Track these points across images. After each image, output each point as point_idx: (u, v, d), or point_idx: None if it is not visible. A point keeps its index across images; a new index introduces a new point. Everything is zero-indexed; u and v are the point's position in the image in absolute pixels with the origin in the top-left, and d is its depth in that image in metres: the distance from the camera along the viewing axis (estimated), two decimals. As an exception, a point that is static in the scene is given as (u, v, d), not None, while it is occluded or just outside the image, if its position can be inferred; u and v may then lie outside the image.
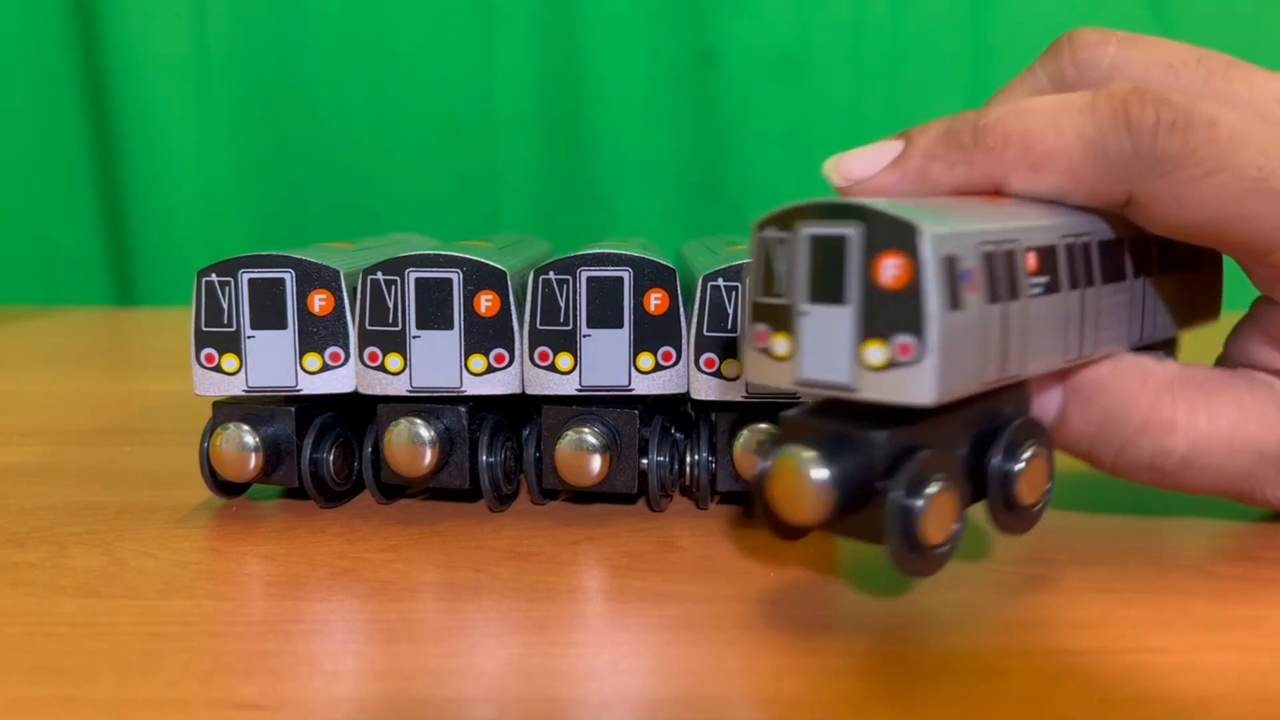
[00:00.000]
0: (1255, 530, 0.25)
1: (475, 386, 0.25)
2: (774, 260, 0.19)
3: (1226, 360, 0.24)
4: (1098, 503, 0.28)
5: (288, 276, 0.25)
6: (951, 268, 0.17)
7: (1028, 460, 0.19)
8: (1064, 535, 0.25)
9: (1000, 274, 0.18)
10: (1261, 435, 0.21)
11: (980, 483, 0.19)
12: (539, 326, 0.25)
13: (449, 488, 0.26)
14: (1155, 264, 0.23)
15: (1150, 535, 0.25)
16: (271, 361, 0.25)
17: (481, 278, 0.25)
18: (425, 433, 0.25)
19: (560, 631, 0.20)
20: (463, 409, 0.26)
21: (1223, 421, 0.21)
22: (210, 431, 0.26)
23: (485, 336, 0.25)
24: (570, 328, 0.25)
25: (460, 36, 0.69)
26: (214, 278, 0.25)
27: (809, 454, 0.17)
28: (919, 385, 0.17)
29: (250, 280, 0.25)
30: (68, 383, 0.47)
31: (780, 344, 0.19)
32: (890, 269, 0.17)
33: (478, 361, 0.25)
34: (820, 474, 0.17)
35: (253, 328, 0.25)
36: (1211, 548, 0.24)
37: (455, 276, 0.25)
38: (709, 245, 0.33)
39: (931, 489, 0.18)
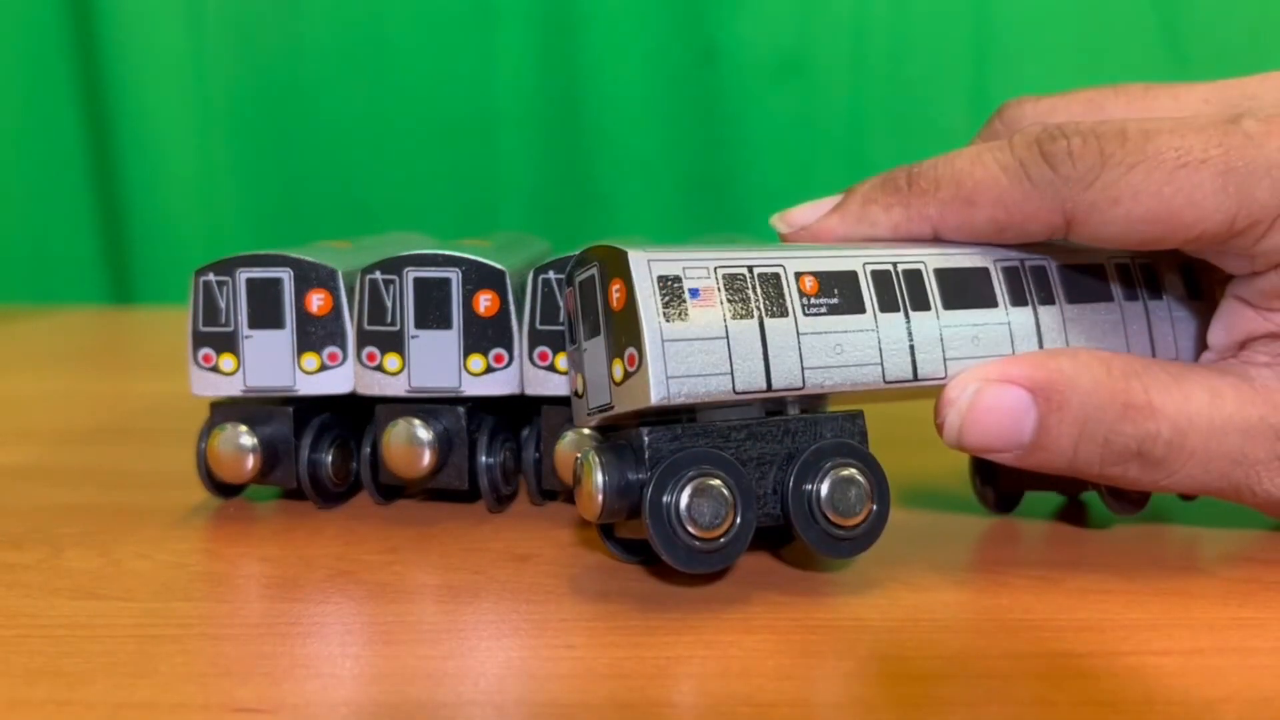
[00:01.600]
0: (1258, 533, 0.25)
1: (474, 387, 0.25)
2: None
3: (1211, 351, 0.24)
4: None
5: (285, 276, 0.25)
6: (671, 286, 0.20)
7: (832, 481, 0.20)
8: (1066, 538, 0.25)
9: (754, 294, 0.20)
10: (1242, 412, 0.21)
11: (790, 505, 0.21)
12: (538, 326, 0.25)
13: (447, 489, 0.26)
14: (1059, 293, 0.23)
15: (1153, 538, 0.25)
16: (269, 361, 0.25)
17: (480, 277, 0.25)
18: (423, 433, 0.25)
19: (559, 634, 0.20)
20: (461, 409, 0.25)
21: (1196, 400, 0.21)
22: (207, 432, 0.26)
23: (484, 336, 0.25)
24: None
25: (459, 35, 0.69)
26: (211, 277, 0.25)
27: (596, 458, 0.20)
28: (642, 389, 0.19)
29: (248, 279, 0.25)
30: (64, 382, 0.47)
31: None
32: (615, 293, 0.20)
33: (476, 361, 0.25)
34: (599, 477, 0.20)
35: (250, 327, 0.25)
36: (1215, 550, 0.24)
37: (454, 276, 0.25)
38: (709, 243, 0.33)
39: (693, 483, 0.19)
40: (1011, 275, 0.23)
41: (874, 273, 0.21)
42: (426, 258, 0.25)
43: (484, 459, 0.26)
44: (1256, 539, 0.25)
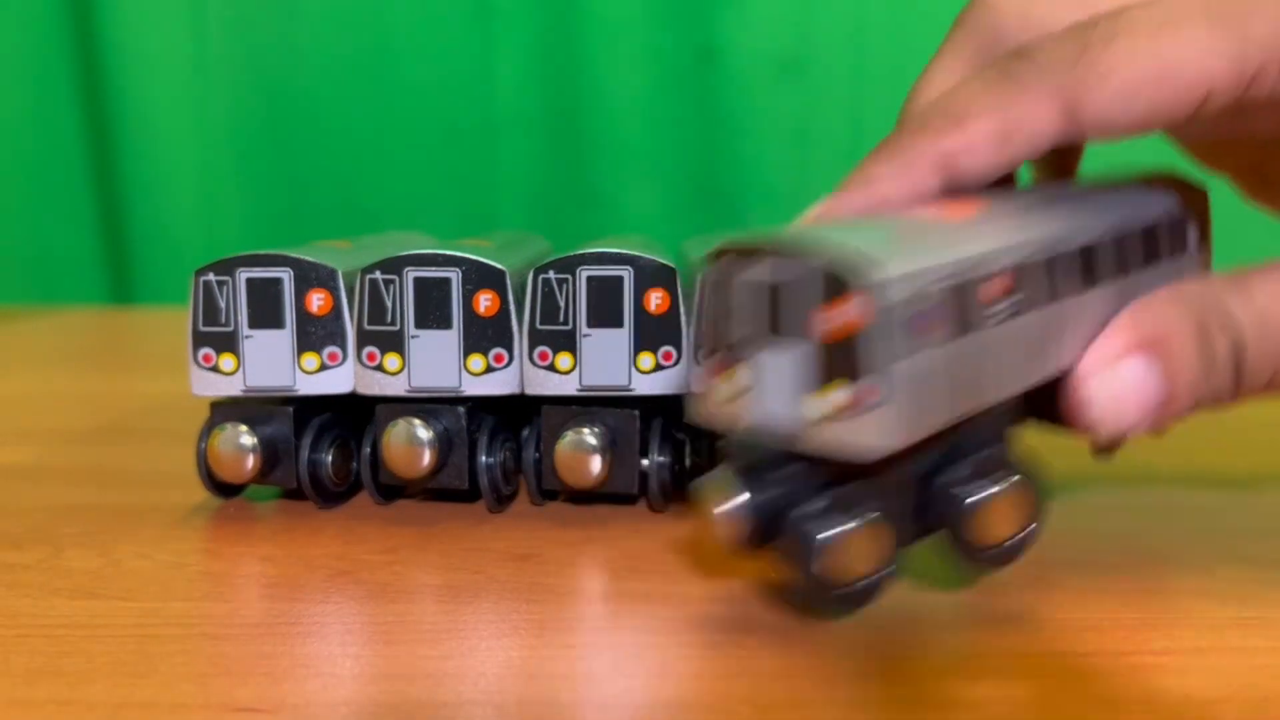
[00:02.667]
0: (1259, 532, 0.25)
1: (474, 387, 0.25)
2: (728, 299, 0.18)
3: None
4: (1099, 505, 0.28)
5: (285, 276, 0.25)
6: (911, 310, 0.16)
7: (988, 494, 0.18)
8: (1066, 537, 0.25)
9: (953, 310, 0.17)
10: None
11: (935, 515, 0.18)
12: (538, 326, 0.25)
13: (448, 489, 0.26)
14: (1140, 257, 0.22)
15: (1153, 537, 0.25)
16: (269, 361, 0.25)
17: (480, 277, 0.25)
18: (424, 433, 0.25)
19: (560, 634, 0.20)
20: (461, 409, 0.25)
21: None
22: (207, 432, 0.26)
23: (484, 336, 0.25)
24: (570, 327, 0.25)
25: (459, 35, 0.69)
26: (211, 277, 0.25)
27: (726, 481, 0.18)
28: (868, 435, 0.16)
29: (248, 279, 0.25)
30: (64, 383, 0.47)
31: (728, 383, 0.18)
32: (833, 316, 0.16)
33: (476, 361, 0.25)
34: (728, 503, 0.18)
35: (250, 327, 0.25)
36: (1215, 549, 0.24)
37: (454, 276, 0.25)
38: (710, 244, 0.33)
39: (848, 521, 0.17)
40: (1104, 251, 0.21)
41: (1045, 263, 0.19)
42: (427, 257, 0.25)
43: (484, 459, 0.26)
44: (1258, 538, 0.25)
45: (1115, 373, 0.19)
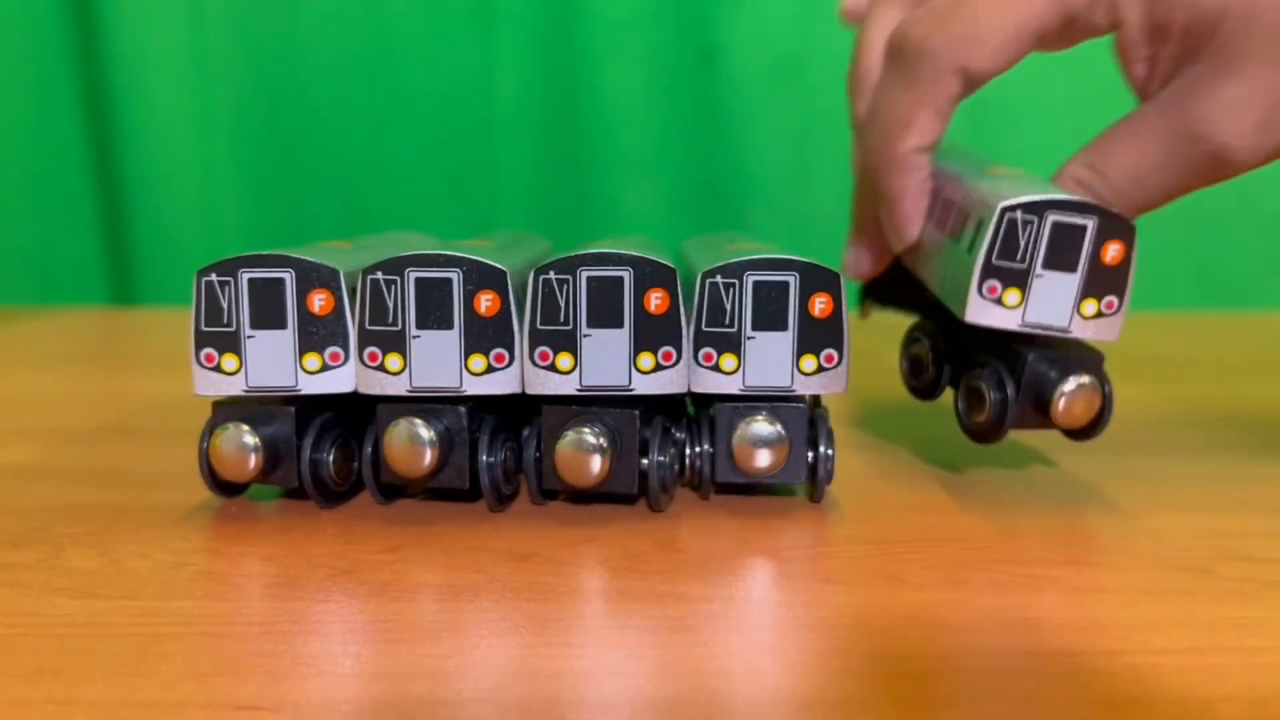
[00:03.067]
0: (1257, 532, 0.25)
1: (475, 386, 0.25)
2: (1019, 234, 0.25)
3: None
4: (1098, 505, 0.28)
5: (287, 276, 0.25)
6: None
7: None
8: (1064, 537, 0.25)
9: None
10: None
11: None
12: (539, 326, 0.25)
13: (449, 488, 0.26)
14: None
15: (1152, 537, 0.25)
16: (271, 361, 0.25)
17: (481, 277, 0.25)
18: (425, 433, 0.25)
19: (560, 632, 0.20)
20: (462, 409, 0.25)
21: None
22: (210, 431, 0.26)
23: (485, 336, 0.25)
24: (570, 327, 0.25)
25: (459, 36, 0.69)
26: (214, 277, 0.25)
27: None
28: (1111, 331, 0.25)
29: (250, 280, 0.25)
30: (66, 383, 0.47)
31: (1012, 297, 0.25)
32: (1112, 251, 0.25)
33: (478, 361, 0.25)
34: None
35: (252, 327, 0.25)
36: (1213, 549, 0.24)
37: (455, 276, 0.25)
38: (709, 243, 0.33)
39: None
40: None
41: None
42: (428, 258, 0.25)
43: (485, 458, 0.26)
44: (1256, 538, 0.25)
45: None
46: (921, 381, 0.31)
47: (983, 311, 0.25)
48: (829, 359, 0.25)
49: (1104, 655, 0.19)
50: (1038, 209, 0.25)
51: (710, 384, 0.26)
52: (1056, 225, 0.25)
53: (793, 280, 0.25)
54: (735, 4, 0.66)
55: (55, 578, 0.22)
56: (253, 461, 0.25)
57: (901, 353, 0.32)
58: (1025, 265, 0.25)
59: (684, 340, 0.25)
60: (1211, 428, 0.36)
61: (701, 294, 0.25)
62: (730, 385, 0.26)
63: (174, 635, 0.20)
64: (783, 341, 0.25)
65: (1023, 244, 0.25)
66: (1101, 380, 0.26)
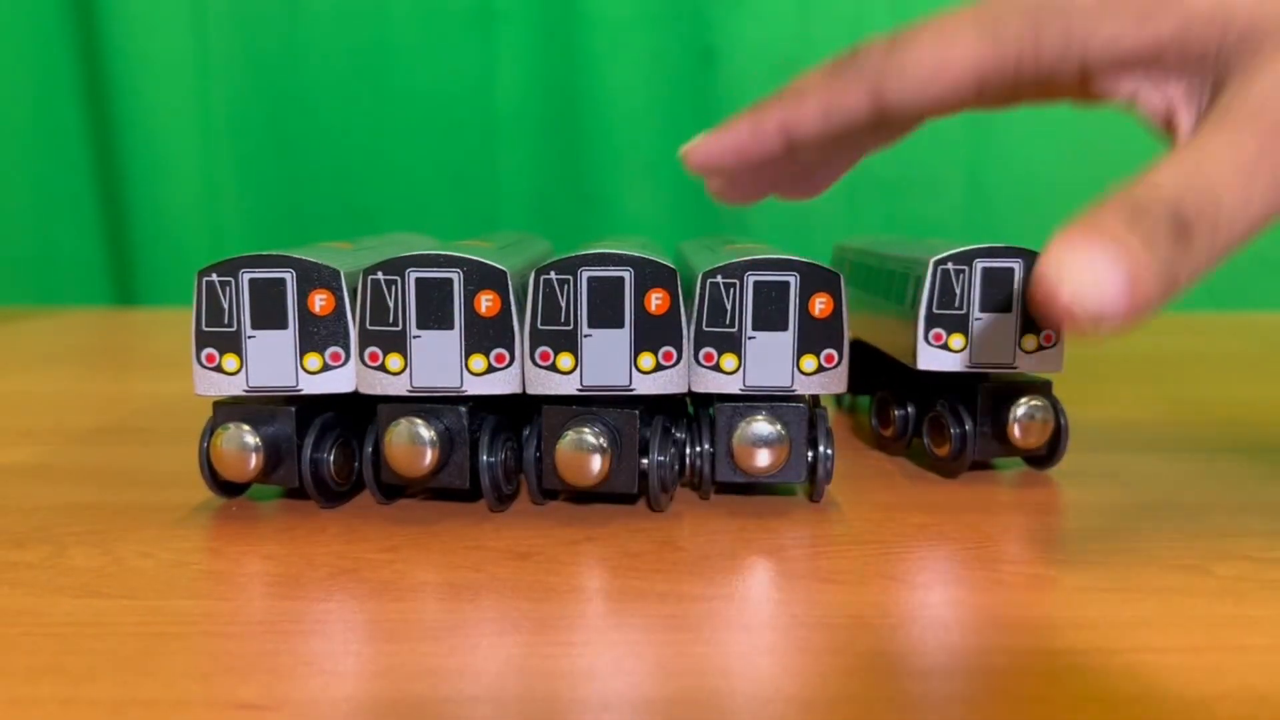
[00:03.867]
0: (1255, 531, 0.25)
1: (475, 386, 0.25)
2: (953, 283, 0.27)
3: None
4: (1096, 504, 0.28)
5: (288, 276, 0.25)
6: None
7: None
8: (1063, 537, 0.25)
9: None
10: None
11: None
12: (539, 326, 0.25)
13: (449, 488, 0.26)
14: None
15: (1151, 536, 0.25)
16: (272, 361, 0.25)
17: (482, 277, 0.25)
18: (425, 433, 0.25)
19: (560, 631, 0.20)
20: (463, 409, 0.26)
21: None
22: (210, 431, 0.26)
23: (485, 336, 0.25)
24: (571, 327, 0.25)
25: (460, 37, 0.69)
26: (215, 278, 0.25)
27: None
28: (1054, 362, 0.28)
29: (251, 280, 0.25)
30: (68, 383, 0.47)
31: (956, 341, 0.27)
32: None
33: (478, 361, 0.25)
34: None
35: (253, 327, 0.25)
36: (1211, 548, 0.24)
37: (456, 276, 0.25)
38: (708, 245, 0.33)
39: None
40: None
41: None
42: (428, 258, 0.25)
43: (485, 458, 0.26)
44: (1254, 537, 0.25)
45: (1079, 254, 0.19)
46: (891, 432, 0.32)
47: (931, 358, 0.27)
48: (829, 359, 0.25)
49: (1103, 654, 0.19)
50: (966, 258, 0.27)
51: (710, 384, 0.26)
52: (986, 271, 0.27)
53: (793, 280, 0.25)
54: (735, 5, 0.67)
55: (58, 577, 0.22)
56: (254, 461, 0.25)
57: (870, 413, 0.34)
58: (964, 311, 0.27)
59: (684, 340, 0.25)
60: (1211, 427, 0.36)
61: (702, 294, 0.25)
62: (731, 385, 0.26)
63: (176, 634, 0.20)
64: (783, 341, 0.25)
65: (958, 292, 0.27)
66: (1053, 404, 0.28)
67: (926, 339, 0.27)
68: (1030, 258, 0.27)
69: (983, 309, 0.27)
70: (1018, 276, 0.27)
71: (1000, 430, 0.28)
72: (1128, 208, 0.19)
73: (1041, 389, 0.28)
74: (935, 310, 0.27)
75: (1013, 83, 0.23)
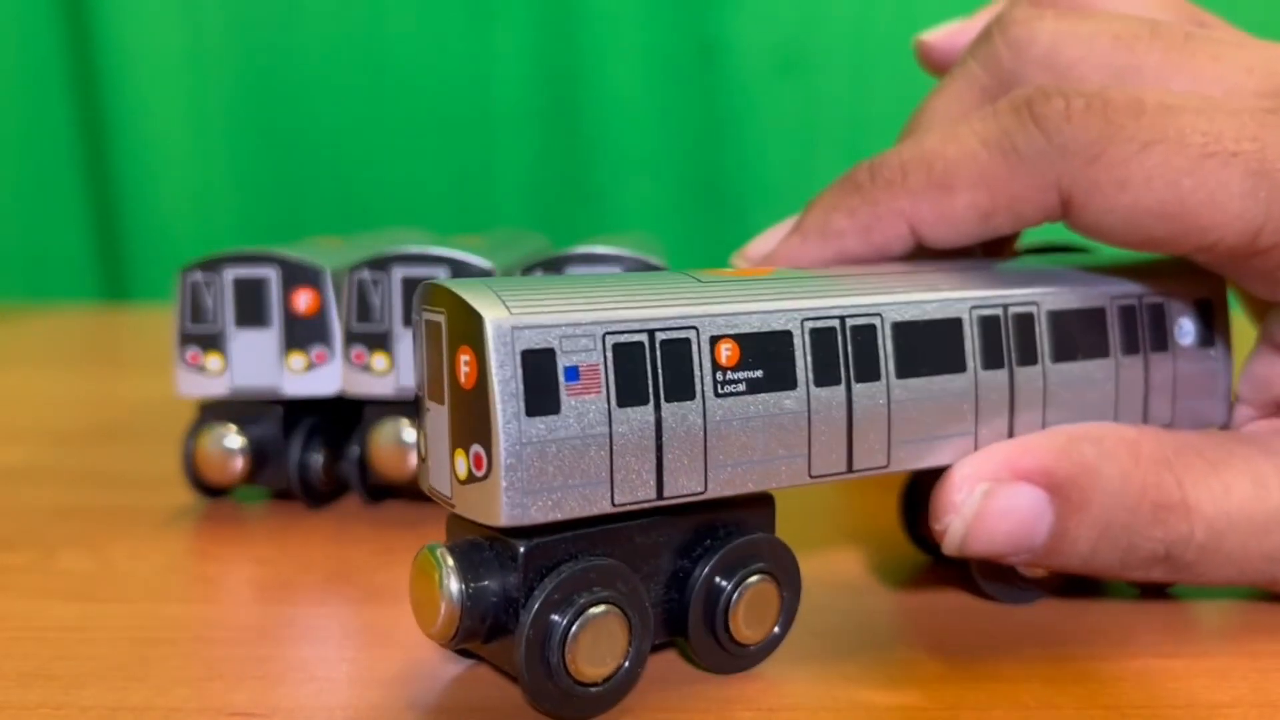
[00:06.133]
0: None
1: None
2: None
3: (1246, 405, 0.21)
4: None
5: (272, 274, 0.25)
6: (540, 366, 0.15)
7: (746, 586, 0.17)
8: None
9: (652, 370, 0.16)
10: None
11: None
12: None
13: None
14: (1044, 347, 0.19)
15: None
16: (256, 361, 0.25)
17: (468, 275, 0.25)
18: (411, 435, 0.24)
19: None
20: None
21: (1238, 493, 0.18)
22: (194, 433, 0.25)
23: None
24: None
25: (457, 31, 0.68)
26: (198, 275, 0.25)
27: (448, 562, 0.16)
28: (491, 505, 0.15)
29: (235, 278, 0.25)
30: (58, 381, 0.46)
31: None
32: (464, 365, 0.15)
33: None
34: (452, 588, 0.16)
35: (237, 326, 0.25)
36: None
37: (441, 274, 0.25)
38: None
39: (587, 610, 0.15)
40: (989, 326, 0.18)
41: (813, 331, 0.17)
42: (414, 256, 0.24)
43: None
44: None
45: (1007, 493, 0.17)
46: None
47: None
48: None
49: (1111, 660, 0.18)
50: (384, 265, 0.23)
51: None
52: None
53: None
54: (735, 1, 0.66)
55: (48, 580, 0.22)
56: (239, 463, 0.25)
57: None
58: None
59: None
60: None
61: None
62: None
63: (167, 639, 0.19)
64: None
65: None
66: None
67: None
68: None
69: None
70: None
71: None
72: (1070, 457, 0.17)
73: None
74: None
75: (1239, 265, 0.18)
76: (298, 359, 0.25)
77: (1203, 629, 0.20)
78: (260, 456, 0.25)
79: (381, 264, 0.25)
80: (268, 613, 0.21)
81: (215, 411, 0.26)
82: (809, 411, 0.17)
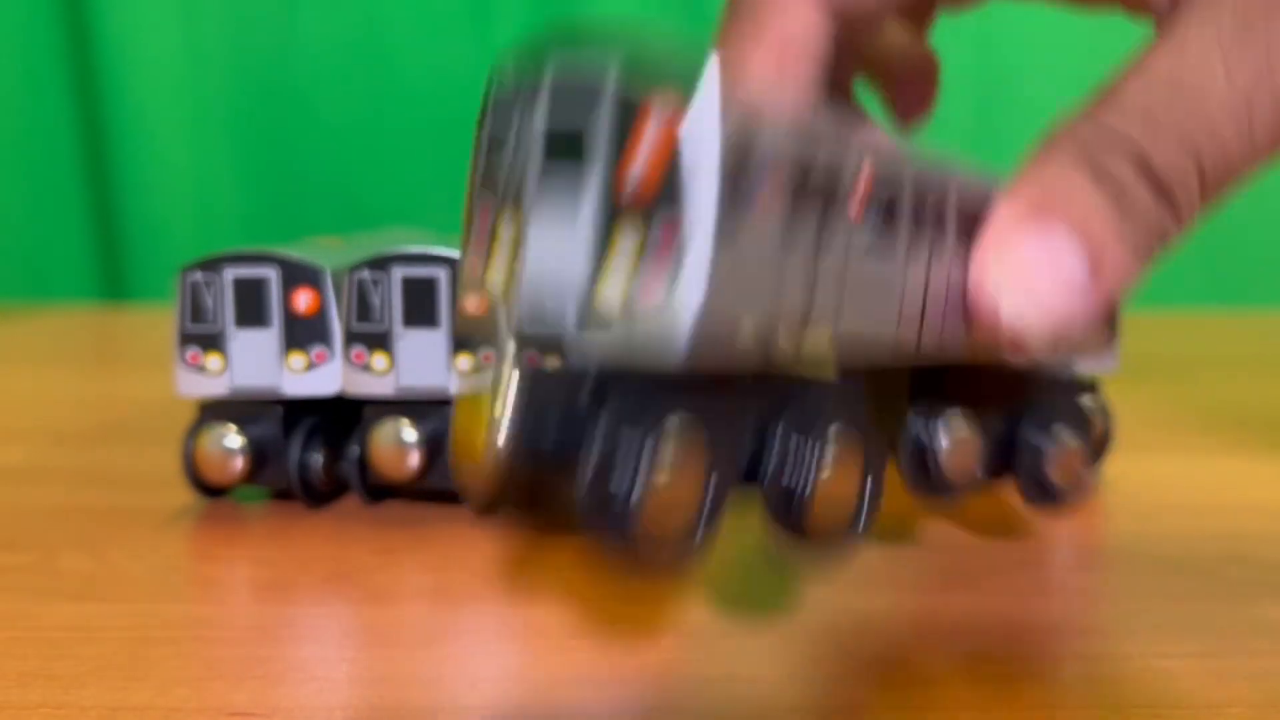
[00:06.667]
0: (1265, 535, 0.25)
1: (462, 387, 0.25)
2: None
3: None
4: (1106, 507, 0.27)
5: (272, 274, 0.25)
6: (741, 165, 0.12)
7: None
8: (1071, 540, 0.25)
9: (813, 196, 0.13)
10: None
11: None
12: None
13: (439, 490, 0.26)
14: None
15: (1160, 540, 0.25)
16: (256, 361, 0.25)
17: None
18: (411, 434, 0.24)
19: (555, 637, 0.20)
20: (451, 409, 0.25)
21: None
22: (194, 432, 0.25)
23: (472, 335, 0.25)
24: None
25: (456, 30, 0.68)
26: (198, 275, 0.25)
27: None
28: (668, 336, 0.11)
29: (234, 278, 0.25)
30: (57, 381, 0.46)
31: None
32: (645, 153, 0.12)
33: (465, 360, 0.25)
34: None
35: (237, 326, 0.25)
36: (1221, 552, 0.24)
37: (441, 274, 0.25)
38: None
39: (672, 433, 0.12)
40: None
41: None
42: (414, 256, 0.24)
43: (479, 458, 0.25)
44: (1266, 541, 0.25)
45: (1016, 255, 0.15)
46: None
47: None
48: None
49: (1111, 660, 0.18)
50: (383, 265, 0.22)
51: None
52: None
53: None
54: None
55: (47, 580, 0.22)
56: (239, 463, 0.25)
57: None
58: None
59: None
60: (1219, 427, 0.36)
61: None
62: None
63: (167, 639, 0.19)
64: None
65: None
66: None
67: None
68: None
69: None
70: None
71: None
72: (1082, 165, 0.15)
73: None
74: None
75: None
76: (298, 359, 0.25)
77: (1203, 628, 0.20)
78: (260, 456, 0.25)
79: (381, 264, 0.25)
80: (268, 613, 0.21)
81: (215, 411, 0.26)
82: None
